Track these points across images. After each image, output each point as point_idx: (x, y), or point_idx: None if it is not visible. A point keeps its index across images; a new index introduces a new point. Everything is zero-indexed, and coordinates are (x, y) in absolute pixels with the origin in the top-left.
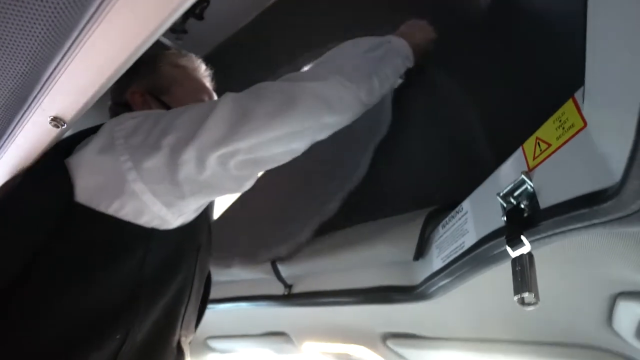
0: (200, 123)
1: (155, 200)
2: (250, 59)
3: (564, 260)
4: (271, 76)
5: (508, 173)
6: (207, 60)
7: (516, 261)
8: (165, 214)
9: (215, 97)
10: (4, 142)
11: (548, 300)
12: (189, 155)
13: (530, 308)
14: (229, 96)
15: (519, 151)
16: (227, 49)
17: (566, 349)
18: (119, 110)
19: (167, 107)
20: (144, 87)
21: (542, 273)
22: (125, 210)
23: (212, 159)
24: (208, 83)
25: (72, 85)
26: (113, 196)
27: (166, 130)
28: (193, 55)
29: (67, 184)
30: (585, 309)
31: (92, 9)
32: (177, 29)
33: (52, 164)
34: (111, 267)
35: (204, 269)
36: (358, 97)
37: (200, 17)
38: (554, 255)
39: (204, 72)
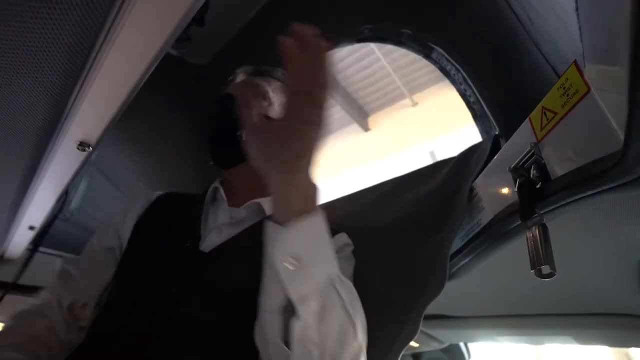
0: None
1: None
2: (253, 59)
3: (586, 229)
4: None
5: (517, 146)
6: (213, 64)
7: (530, 234)
8: None
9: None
10: (39, 171)
11: (575, 271)
12: None
13: (548, 279)
14: None
15: (527, 123)
16: (230, 52)
17: (599, 319)
18: None
19: None
20: None
21: (566, 244)
22: None
23: None
24: (239, 89)
25: (94, 110)
26: None
27: None
28: (239, 70)
29: None
30: (614, 277)
31: (101, 39)
32: (181, 37)
33: None
34: None
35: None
36: None
37: (201, 24)
38: (576, 225)
39: (237, 79)
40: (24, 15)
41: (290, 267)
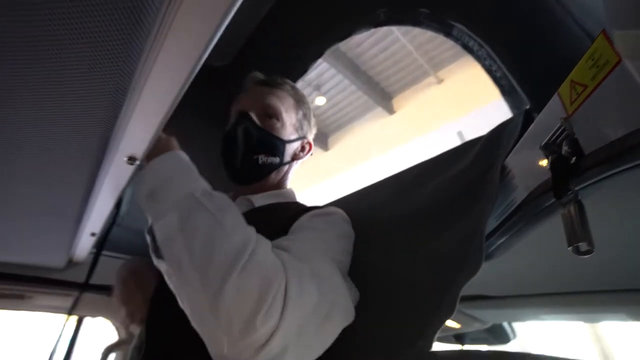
0: None
1: None
2: (273, 53)
3: (630, 203)
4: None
5: (547, 122)
6: (235, 64)
7: (566, 211)
8: None
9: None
10: (97, 185)
11: (624, 246)
12: None
13: (587, 256)
14: None
15: (555, 98)
16: (250, 48)
17: None
18: None
19: None
20: None
21: (612, 219)
22: None
23: None
24: (253, 106)
25: (139, 128)
26: None
27: None
28: (252, 76)
29: None
30: None
31: (142, 60)
32: None
33: None
34: None
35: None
36: None
37: None
38: (619, 199)
39: (250, 85)
40: (75, 50)
41: (148, 199)
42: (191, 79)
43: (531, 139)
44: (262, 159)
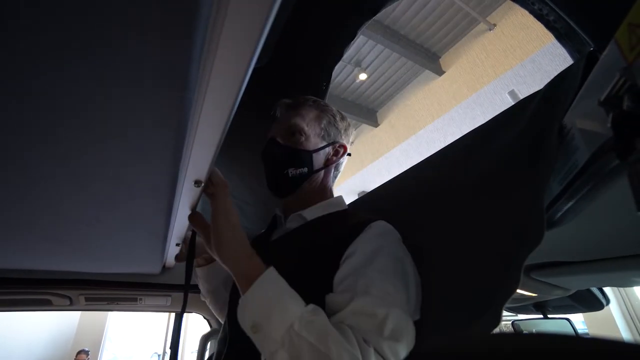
0: None
1: None
2: (307, 44)
3: None
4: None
5: (605, 74)
6: (273, 62)
7: (634, 171)
8: None
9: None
10: (175, 205)
11: None
12: None
13: None
14: None
15: (612, 45)
16: (285, 44)
17: None
18: None
19: None
20: None
21: None
22: None
23: None
24: (279, 131)
25: (200, 156)
26: None
27: None
28: (277, 104)
29: None
30: None
31: (197, 93)
32: None
33: None
34: None
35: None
36: None
37: None
38: None
39: (277, 113)
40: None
41: (253, 331)
42: (239, 98)
43: (589, 93)
44: (291, 172)
